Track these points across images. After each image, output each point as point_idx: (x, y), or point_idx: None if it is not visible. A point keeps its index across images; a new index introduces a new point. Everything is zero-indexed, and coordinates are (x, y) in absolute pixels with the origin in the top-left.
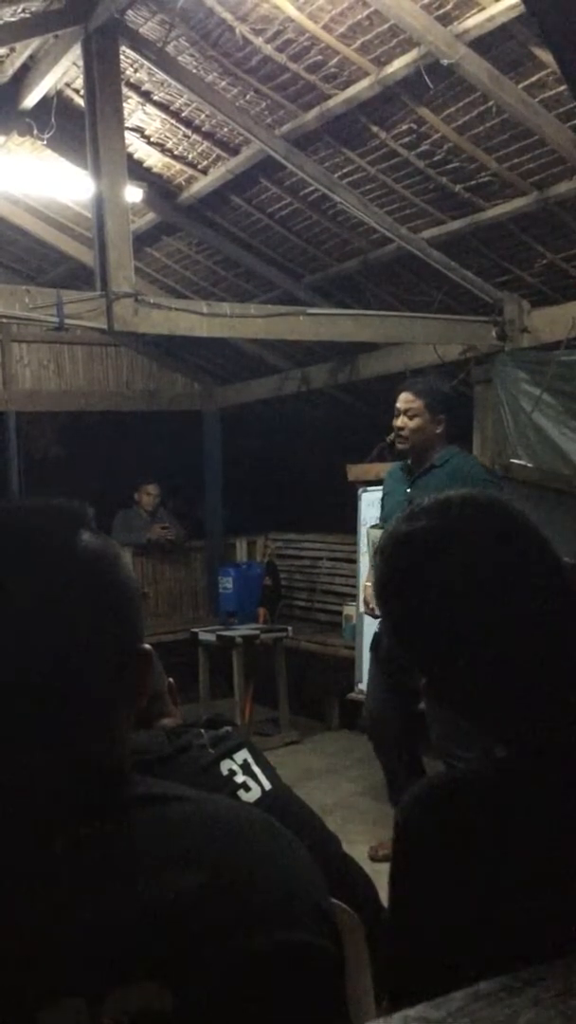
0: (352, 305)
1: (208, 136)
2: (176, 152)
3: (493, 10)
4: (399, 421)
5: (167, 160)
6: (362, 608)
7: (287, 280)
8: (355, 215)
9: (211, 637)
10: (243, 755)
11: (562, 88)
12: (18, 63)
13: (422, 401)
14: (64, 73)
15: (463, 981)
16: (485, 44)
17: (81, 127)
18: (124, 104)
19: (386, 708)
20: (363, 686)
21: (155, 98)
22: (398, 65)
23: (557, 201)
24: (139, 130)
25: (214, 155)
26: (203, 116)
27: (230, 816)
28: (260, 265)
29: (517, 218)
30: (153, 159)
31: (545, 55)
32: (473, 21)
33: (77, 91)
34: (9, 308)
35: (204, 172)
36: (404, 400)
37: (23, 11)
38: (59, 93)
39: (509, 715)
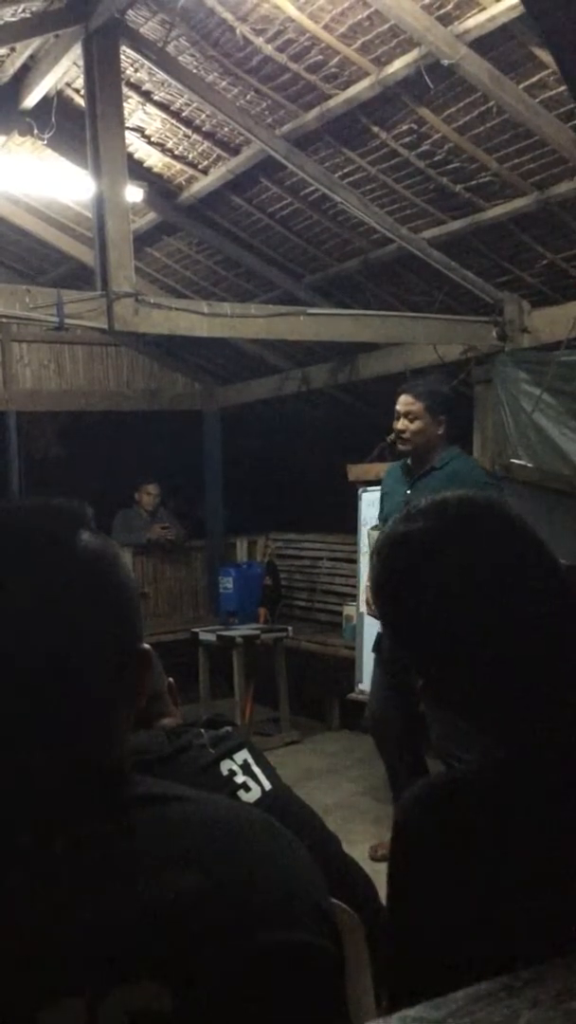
0: (352, 305)
1: (208, 136)
2: (176, 152)
3: (494, 10)
4: (400, 423)
5: (167, 160)
6: (363, 608)
7: (287, 280)
8: (355, 215)
9: (211, 637)
10: (243, 755)
11: (562, 88)
12: (18, 63)
13: (422, 403)
14: (64, 73)
15: (463, 981)
16: (486, 44)
17: (81, 127)
18: (124, 104)
19: (388, 708)
20: (363, 686)
21: (155, 98)
22: (398, 65)
23: (557, 201)
24: (139, 130)
25: (214, 155)
26: (203, 116)
27: (230, 816)
28: (260, 265)
29: (517, 218)
30: (153, 159)
31: (545, 55)
32: (474, 21)
33: (77, 91)
34: (9, 308)
35: (204, 172)
36: (404, 402)
37: (23, 11)
38: (59, 93)
39: (507, 715)
